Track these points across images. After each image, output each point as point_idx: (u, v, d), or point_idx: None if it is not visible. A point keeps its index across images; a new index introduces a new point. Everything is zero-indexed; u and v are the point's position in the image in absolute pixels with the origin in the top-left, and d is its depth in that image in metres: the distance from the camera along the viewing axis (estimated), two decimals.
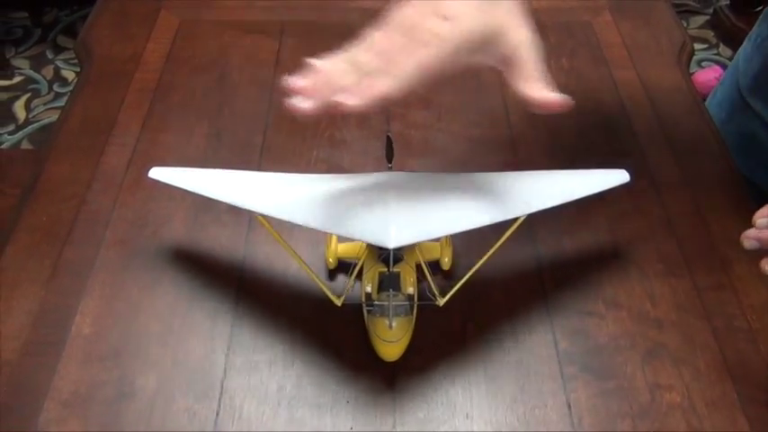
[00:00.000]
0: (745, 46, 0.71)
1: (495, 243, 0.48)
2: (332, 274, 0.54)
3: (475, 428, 0.45)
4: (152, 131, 0.65)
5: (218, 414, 0.46)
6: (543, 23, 0.77)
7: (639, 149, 0.64)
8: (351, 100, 0.38)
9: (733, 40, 1.85)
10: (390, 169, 0.53)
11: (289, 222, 0.45)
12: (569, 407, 0.46)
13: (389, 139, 0.50)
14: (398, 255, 0.48)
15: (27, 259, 0.55)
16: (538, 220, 0.56)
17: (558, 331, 0.50)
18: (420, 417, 0.46)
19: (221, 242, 0.56)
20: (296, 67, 0.73)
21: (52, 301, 0.52)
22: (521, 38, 0.43)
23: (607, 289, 0.53)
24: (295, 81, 0.39)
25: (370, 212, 0.43)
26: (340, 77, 0.39)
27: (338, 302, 0.46)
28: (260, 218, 0.47)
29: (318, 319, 0.51)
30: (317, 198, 0.46)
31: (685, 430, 0.45)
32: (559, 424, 0.45)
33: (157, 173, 0.52)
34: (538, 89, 0.42)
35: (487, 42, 0.42)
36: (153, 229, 0.57)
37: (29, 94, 1.76)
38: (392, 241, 0.40)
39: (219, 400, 0.47)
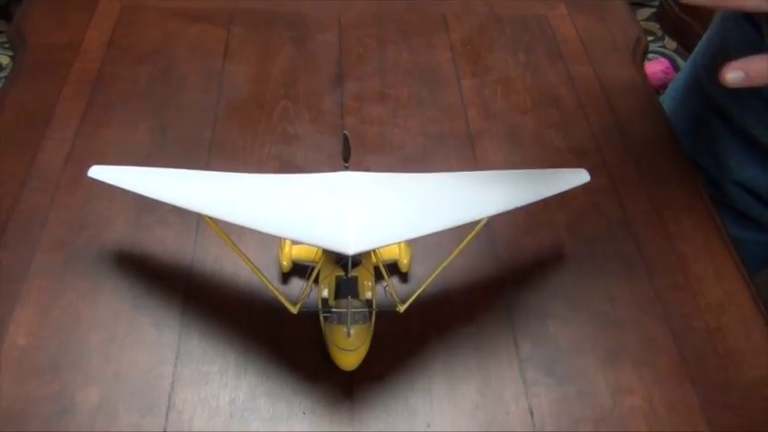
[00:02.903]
0: (711, 29, 0.70)
1: (455, 243, 0.47)
2: (286, 278, 0.51)
3: None
4: (92, 125, 0.61)
5: (165, 430, 0.43)
6: (499, 16, 0.76)
7: (597, 146, 0.63)
8: None
9: (678, 33, 1.88)
10: (347, 168, 0.51)
11: (239, 226, 0.42)
12: (531, 413, 0.45)
13: (346, 138, 0.48)
14: (356, 258, 0.46)
15: None
16: (496, 220, 0.55)
17: (518, 335, 0.49)
18: (379, 427, 0.44)
19: (167, 244, 0.53)
20: (246, 58, 0.70)
21: None
22: None
23: (567, 290, 0.52)
24: None
25: (326, 216, 0.41)
26: None
27: (294, 310, 0.44)
28: (208, 220, 0.44)
29: (272, 325, 0.48)
30: (270, 200, 0.44)
31: None
32: (522, 430, 0.44)
33: (97, 172, 0.49)
34: None
35: None
36: (93, 231, 0.54)
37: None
38: (351, 247, 0.38)
39: (167, 414, 0.44)
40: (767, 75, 0.41)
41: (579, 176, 0.51)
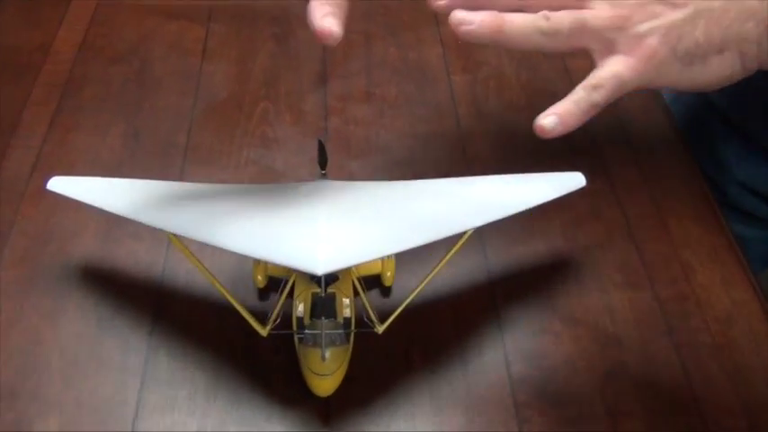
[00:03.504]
0: None
1: (442, 254, 0.43)
2: (263, 294, 0.48)
3: None
4: (61, 131, 0.58)
5: None
6: None
7: (595, 146, 0.59)
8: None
9: None
10: (324, 176, 0.48)
11: (203, 243, 0.39)
12: None
13: (321, 144, 0.45)
14: (333, 273, 0.43)
15: None
16: (488, 228, 0.51)
17: (510, 352, 0.46)
18: None
19: (137, 259, 0.50)
20: (225, 56, 0.67)
21: None
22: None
23: (563, 303, 0.48)
24: None
25: (296, 232, 0.38)
26: None
27: (264, 332, 0.41)
28: (172, 237, 0.41)
29: (245, 345, 0.45)
30: (237, 214, 0.41)
31: None
32: None
33: (58, 184, 0.46)
34: (321, 12, 0.41)
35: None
36: (59, 245, 0.50)
37: None
38: (321, 267, 0.35)
39: None
40: (578, 115, 0.40)
41: (574, 181, 0.47)
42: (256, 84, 0.63)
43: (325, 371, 0.40)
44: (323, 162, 0.47)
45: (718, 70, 0.40)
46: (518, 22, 0.39)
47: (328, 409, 0.42)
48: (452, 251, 0.42)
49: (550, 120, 0.39)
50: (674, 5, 0.39)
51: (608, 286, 0.49)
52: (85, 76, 0.63)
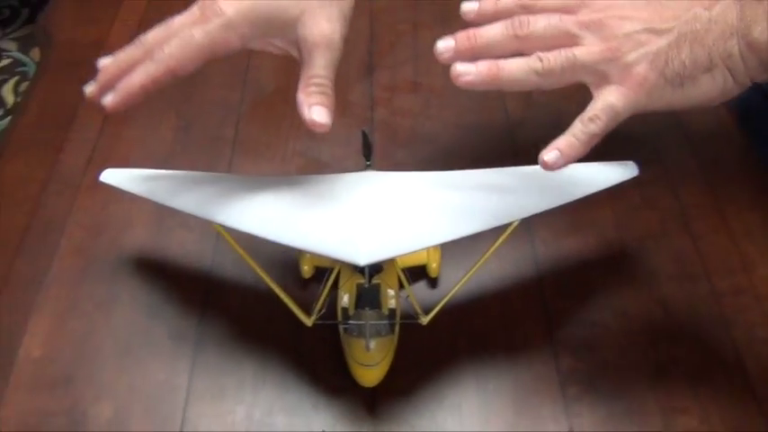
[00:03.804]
0: None
1: (488, 244, 0.43)
2: (308, 284, 0.48)
3: None
4: (115, 125, 0.60)
5: None
6: None
7: (650, 134, 0.57)
8: None
9: None
10: (369, 167, 0.48)
11: (249, 234, 0.39)
12: None
13: (365, 135, 0.45)
14: (377, 265, 0.43)
15: None
16: (536, 218, 0.50)
17: (559, 345, 0.45)
18: None
19: (187, 249, 0.51)
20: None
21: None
22: (315, 32, 0.40)
23: (614, 295, 0.47)
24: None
25: (339, 223, 0.38)
26: None
27: (308, 322, 0.41)
28: (219, 228, 0.42)
29: (292, 334, 0.45)
30: (282, 206, 0.41)
31: None
32: None
33: (110, 176, 0.47)
34: (308, 104, 0.40)
35: (275, 27, 0.40)
36: (112, 236, 0.52)
37: (17, 77, 1.70)
38: (363, 258, 0.35)
39: (181, 429, 0.42)
40: (578, 147, 0.41)
41: (626, 170, 0.46)
42: None
43: (370, 361, 0.40)
44: (367, 153, 0.47)
45: (709, 88, 0.41)
46: (513, 67, 0.41)
47: (374, 399, 0.42)
48: (498, 241, 0.42)
49: (552, 155, 0.40)
50: (659, 32, 0.40)
51: (661, 278, 0.48)
52: None
